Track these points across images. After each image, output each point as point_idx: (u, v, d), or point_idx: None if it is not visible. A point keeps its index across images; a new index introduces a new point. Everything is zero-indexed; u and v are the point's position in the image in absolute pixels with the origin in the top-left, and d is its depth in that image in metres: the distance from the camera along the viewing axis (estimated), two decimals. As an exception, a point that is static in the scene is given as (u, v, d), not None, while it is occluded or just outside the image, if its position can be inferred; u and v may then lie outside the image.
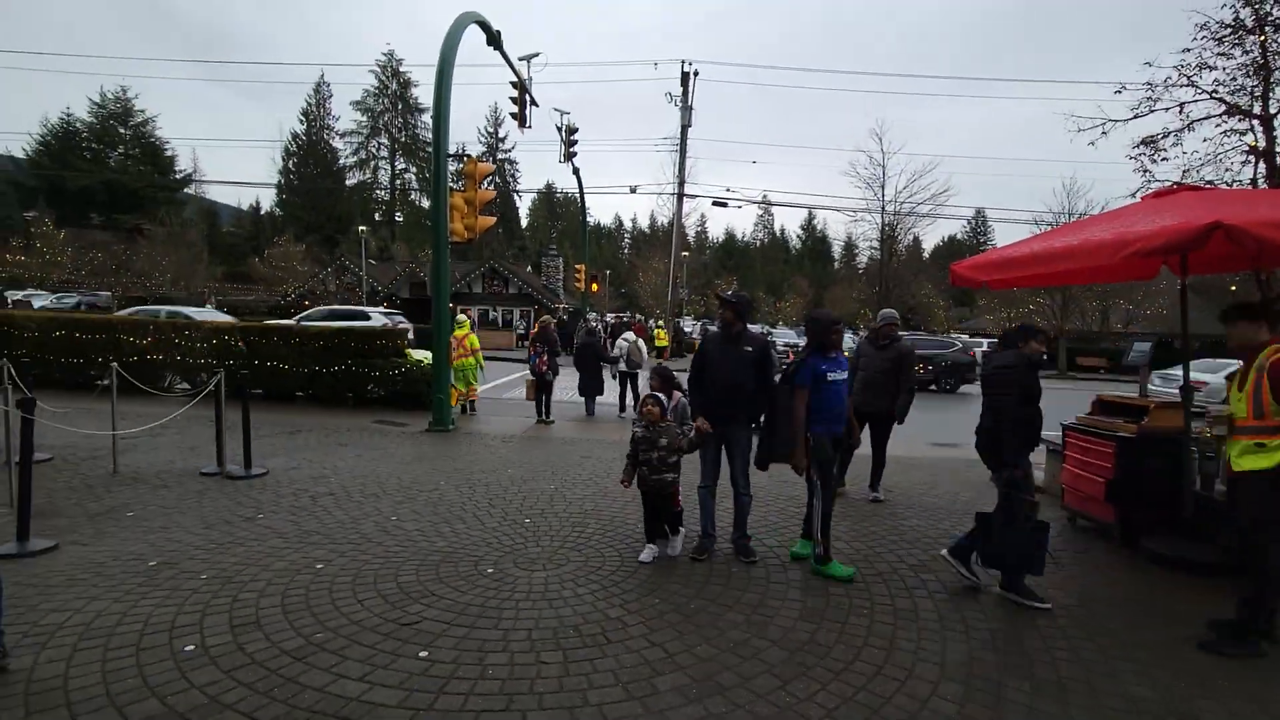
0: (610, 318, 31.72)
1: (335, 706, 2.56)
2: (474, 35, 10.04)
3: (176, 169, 56.63)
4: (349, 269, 36.89)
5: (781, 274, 73.39)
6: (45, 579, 3.64)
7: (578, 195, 27.80)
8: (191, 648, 2.97)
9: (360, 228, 41.09)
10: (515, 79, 13.10)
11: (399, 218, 68.42)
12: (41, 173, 48.21)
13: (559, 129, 19.98)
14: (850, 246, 56.74)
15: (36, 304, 26.60)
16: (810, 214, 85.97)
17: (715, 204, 28.16)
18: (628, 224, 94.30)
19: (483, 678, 2.81)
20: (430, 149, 10.70)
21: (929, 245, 53.43)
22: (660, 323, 26.95)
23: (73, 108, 53.59)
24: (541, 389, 9.88)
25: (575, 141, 20.27)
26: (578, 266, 27.71)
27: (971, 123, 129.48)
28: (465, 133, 76.14)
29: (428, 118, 66.83)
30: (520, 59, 13.23)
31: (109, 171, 50.76)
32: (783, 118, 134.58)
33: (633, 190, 33.28)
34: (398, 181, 68.40)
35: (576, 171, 23.02)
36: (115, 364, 6.35)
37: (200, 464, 6.28)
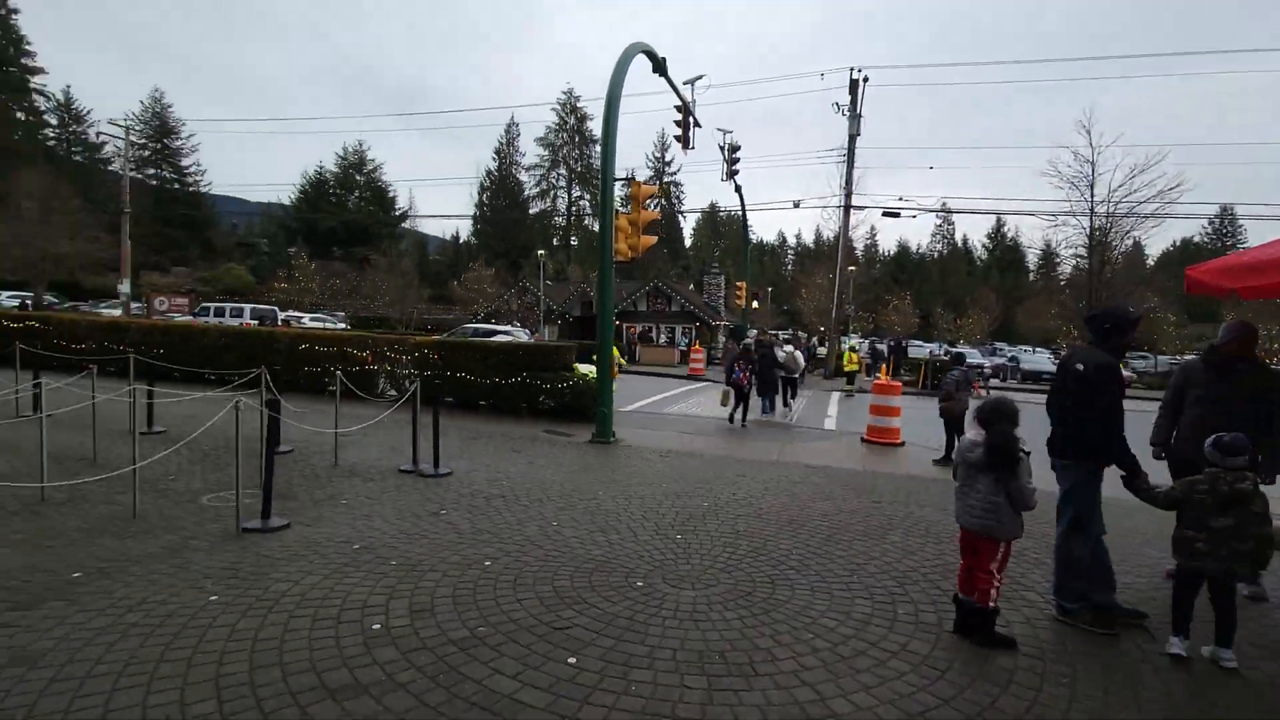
0: (773, 333, 31.00)
1: (489, 700, 2.71)
2: (639, 64, 10.47)
3: (396, 208, 66.57)
4: (529, 290, 40.30)
5: (964, 287, 66.37)
6: (276, 552, 4.34)
7: (740, 213, 27.67)
8: (378, 626, 3.34)
9: (539, 252, 44.83)
10: (679, 102, 13.44)
11: (574, 241, 73.56)
12: (301, 216, 59.75)
13: (721, 148, 20.13)
14: (1049, 255, 49.51)
15: (307, 322, 31.60)
16: (999, 221, 76.41)
17: (885, 214, 26.40)
18: (791, 240, 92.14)
19: (626, 693, 2.81)
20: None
21: (1154, 251, 44.40)
22: (853, 344, 25.18)
23: (323, 163, 65.55)
24: (740, 399, 11.31)
25: (737, 159, 20.28)
26: (738, 284, 27.51)
27: (1204, 102, 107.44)
28: (634, 158, 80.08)
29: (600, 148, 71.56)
30: (684, 83, 13.55)
31: (348, 213, 61.38)
32: (962, 118, 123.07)
33: (796, 205, 32.26)
34: (573, 208, 73.83)
35: (739, 189, 22.97)
36: (339, 371, 7.49)
37: (398, 462, 7.14)
